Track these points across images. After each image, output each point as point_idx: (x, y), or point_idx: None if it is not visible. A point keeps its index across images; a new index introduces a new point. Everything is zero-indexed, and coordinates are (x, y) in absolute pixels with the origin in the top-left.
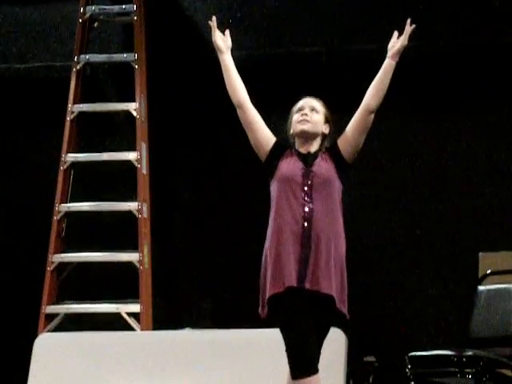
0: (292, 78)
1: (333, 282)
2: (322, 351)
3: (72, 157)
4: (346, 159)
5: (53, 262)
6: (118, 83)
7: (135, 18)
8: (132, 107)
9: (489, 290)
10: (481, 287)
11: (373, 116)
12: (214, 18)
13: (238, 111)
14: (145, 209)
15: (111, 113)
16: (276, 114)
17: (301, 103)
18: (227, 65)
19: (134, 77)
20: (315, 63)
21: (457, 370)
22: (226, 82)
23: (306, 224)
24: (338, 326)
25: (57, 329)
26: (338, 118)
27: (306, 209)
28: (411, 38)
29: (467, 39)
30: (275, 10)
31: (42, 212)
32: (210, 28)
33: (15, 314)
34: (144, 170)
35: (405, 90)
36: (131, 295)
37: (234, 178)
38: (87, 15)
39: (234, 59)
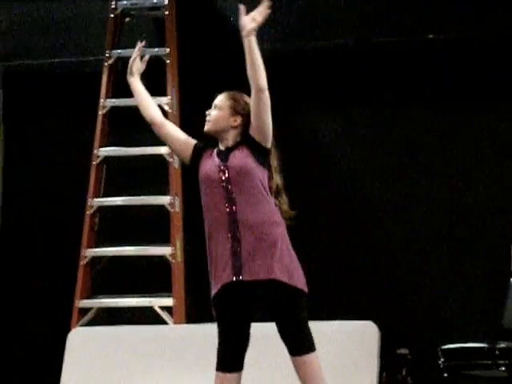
0: (321, 71)
1: (272, 265)
2: (355, 344)
3: (104, 151)
4: (263, 144)
5: (86, 257)
6: (149, 78)
7: (166, 12)
8: (164, 101)
9: None
10: None
11: (266, 94)
12: (141, 43)
13: (153, 128)
14: (177, 203)
15: None
16: (306, 106)
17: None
18: (136, 87)
19: (165, 71)
20: (344, 55)
21: (490, 362)
22: (137, 103)
23: (230, 218)
24: (295, 302)
25: (90, 323)
26: (362, 110)
27: (228, 203)
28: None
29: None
30: (305, 2)
31: (75, 207)
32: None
33: (49, 308)
34: (176, 164)
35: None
36: (164, 289)
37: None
38: (119, 10)
39: (266, 52)
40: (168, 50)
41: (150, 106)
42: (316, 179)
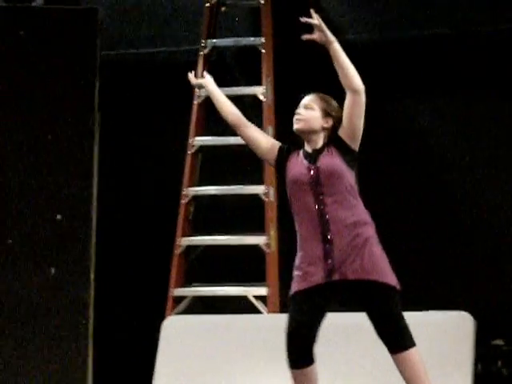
0: (417, 62)
1: (364, 265)
2: (449, 334)
3: (199, 141)
4: (350, 146)
5: (180, 246)
6: (244, 67)
7: (262, 1)
8: (259, 91)
9: None
10: None
11: (362, 97)
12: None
13: (237, 132)
14: (271, 192)
15: (238, 97)
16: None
17: (302, 101)
18: (215, 94)
19: (260, 61)
20: (440, 47)
21: None
22: (218, 109)
23: (321, 219)
24: (389, 299)
25: (184, 311)
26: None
27: (318, 204)
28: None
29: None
30: None
31: (170, 196)
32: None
33: (144, 296)
34: None
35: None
36: (258, 278)
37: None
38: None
39: (360, 44)
40: (263, 39)
41: (231, 110)
42: (411, 169)
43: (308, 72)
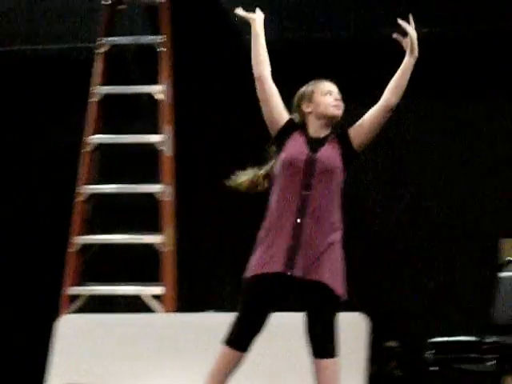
0: (314, 64)
1: (325, 269)
2: (344, 335)
3: (96, 139)
4: (356, 148)
5: (76, 244)
6: (143, 65)
7: (161, 0)
8: (157, 90)
9: (510, 277)
10: (502, 274)
11: (390, 113)
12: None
13: (257, 83)
14: (169, 191)
15: (136, 95)
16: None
17: (328, 86)
18: (259, 34)
19: (159, 59)
20: (338, 48)
21: (478, 356)
22: (253, 54)
23: (301, 211)
24: (334, 307)
25: (79, 310)
26: (358, 103)
27: (304, 196)
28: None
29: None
30: None
31: (66, 194)
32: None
33: (38, 295)
34: (168, 153)
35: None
36: (154, 278)
37: (259, 161)
38: None
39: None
40: (162, 37)
41: (265, 61)
42: None
43: (207, 71)
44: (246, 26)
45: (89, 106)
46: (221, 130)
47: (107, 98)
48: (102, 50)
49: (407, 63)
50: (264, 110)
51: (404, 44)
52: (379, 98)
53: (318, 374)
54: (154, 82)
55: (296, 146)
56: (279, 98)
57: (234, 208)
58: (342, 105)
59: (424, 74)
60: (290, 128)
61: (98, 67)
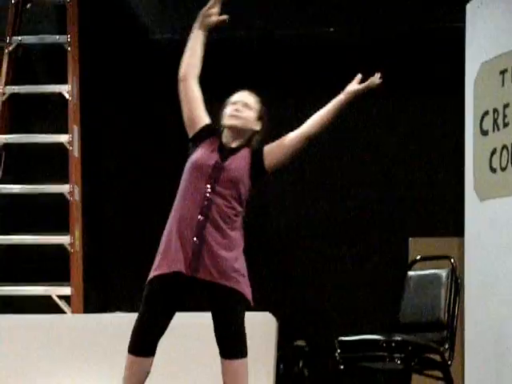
0: (225, 63)
1: (226, 270)
2: (252, 335)
3: (3, 138)
4: (266, 168)
5: None
6: (50, 65)
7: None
8: (64, 89)
9: (418, 276)
10: (410, 272)
11: (307, 143)
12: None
13: (181, 84)
14: (76, 192)
15: (43, 95)
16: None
17: (236, 97)
18: (201, 41)
19: (66, 59)
20: (247, 48)
21: (386, 354)
22: (185, 55)
23: (203, 215)
24: (239, 308)
25: None
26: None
27: (206, 201)
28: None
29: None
30: None
31: None
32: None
33: None
34: (76, 153)
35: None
36: (62, 278)
37: (167, 162)
38: None
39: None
40: (69, 37)
41: (196, 64)
42: None
43: (114, 71)
44: (153, 26)
45: None
46: (128, 130)
47: (14, 97)
48: (9, 49)
49: (339, 101)
50: (184, 110)
51: (351, 85)
52: None
53: (226, 374)
54: (62, 81)
55: (207, 151)
56: (201, 102)
57: (140, 208)
58: (239, 114)
59: None
60: (206, 133)
61: (5, 66)
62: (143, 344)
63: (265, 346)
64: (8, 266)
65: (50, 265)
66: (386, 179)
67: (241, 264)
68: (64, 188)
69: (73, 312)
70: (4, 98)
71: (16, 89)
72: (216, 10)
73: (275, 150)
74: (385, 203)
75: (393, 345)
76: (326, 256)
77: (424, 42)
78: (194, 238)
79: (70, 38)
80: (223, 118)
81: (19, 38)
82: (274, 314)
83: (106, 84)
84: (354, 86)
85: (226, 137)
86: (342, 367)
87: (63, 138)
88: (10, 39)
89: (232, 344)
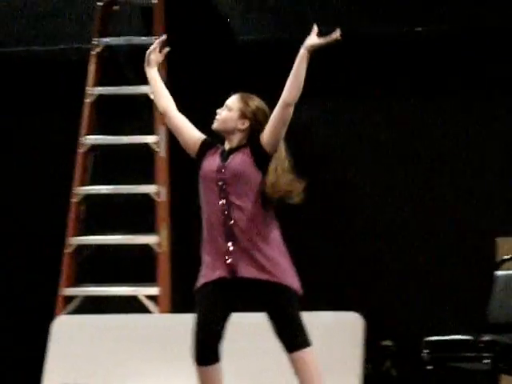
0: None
1: (263, 265)
2: (339, 334)
3: (91, 139)
4: (267, 150)
5: (71, 245)
6: (137, 66)
7: (155, 0)
8: (151, 90)
9: (506, 276)
10: (498, 272)
11: (292, 109)
12: (163, 37)
13: (165, 119)
14: (163, 192)
15: (130, 96)
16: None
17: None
18: (153, 77)
19: None
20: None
21: (474, 354)
22: (153, 92)
23: (225, 218)
24: (285, 299)
25: (75, 311)
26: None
27: (223, 201)
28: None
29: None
30: None
31: (61, 195)
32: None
33: (34, 296)
34: (163, 154)
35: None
36: (149, 278)
37: None
38: None
39: (255, 43)
40: (155, 38)
41: (165, 96)
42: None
43: (201, 71)
44: (242, 26)
45: (83, 106)
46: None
47: (101, 98)
48: (96, 50)
49: (304, 59)
50: (179, 139)
51: (309, 39)
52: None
53: (295, 367)
54: (148, 82)
55: (210, 160)
56: (188, 124)
57: None
58: (217, 117)
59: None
60: (205, 148)
61: (92, 68)
62: (204, 352)
63: (352, 345)
64: (96, 267)
65: (137, 265)
66: (473, 177)
67: (278, 254)
68: (151, 188)
69: (160, 312)
70: (91, 99)
71: (103, 90)
72: (157, 49)
73: (267, 130)
74: (472, 202)
75: (481, 345)
76: (414, 254)
77: None
78: (225, 242)
79: (157, 38)
80: None
81: (106, 39)
82: (361, 314)
83: (192, 84)
84: (312, 39)
85: (226, 142)
86: (429, 367)
87: (150, 139)
88: (97, 41)
89: (292, 337)
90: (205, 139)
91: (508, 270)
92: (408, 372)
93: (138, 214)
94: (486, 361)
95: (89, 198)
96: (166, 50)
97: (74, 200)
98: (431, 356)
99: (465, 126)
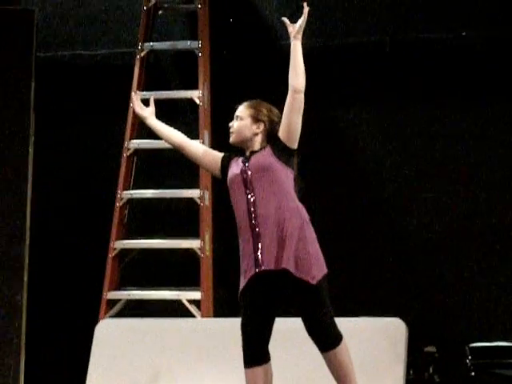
0: (354, 69)
1: (289, 256)
2: (382, 340)
3: (135, 143)
4: (288, 144)
5: (115, 249)
6: (181, 71)
7: (199, 5)
8: (195, 95)
9: None
10: None
11: (301, 96)
12: (136, 95)
13: (183, 153)
14: (207, 196)
15: (174, 100)
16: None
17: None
18: (155, 126)
19: (197, 65)
20: (379, 53)
21: None
22: (162, 137)
23: (251, 214)
24: (312, 297)
25: (118, 315)
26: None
27: (249, 200)
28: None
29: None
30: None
31: (105, 199)
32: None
33: (78, 299)
34: None
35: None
36: (192, 283)
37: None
38: (152, 2)
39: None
40: (200, 43)
41: (173, 135)
42: (341, 172)
43: (244, 76)
44: (284, 30)
45: (129, 110)
46: None
47: (146, 103)
48: (141, 55)
49: (296, 48)
50: (200, 165)
51: (291, 29)
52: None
53: (331, 366)
54: (192, 87)
55: (233, 168)
56: (205, 150)
57: None
58: (231, 130)
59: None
60: (226, 162)
61: (137, 72)
62: (252, 353)
63: (395, 351)
64: (140, 271)
65: (180, 269)
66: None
67: (308, 246)
68: (194, 193)
69: (202, 316)
70: None
71: (147, 94)
72: (137, 106)
73: (282, 124)
74: None
75: None
76: (457, 260)
77: None
78: (252, 241)
79: (202, 43)
80: None
81: (151, 43)
82: (404, 320)
83: (237, 89)
84: (293, 27)
85: (245, 151)
86: (473, 374)
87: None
88: (141, 45)
89: (325, 336)
90: (223, 155)
91: None
92: (451, 379)
93: (181, 218)
94: None
95: (133, 201)
96: (152, 99)
97: (118, 204)
98: (475, 362)
99: (503, 132)
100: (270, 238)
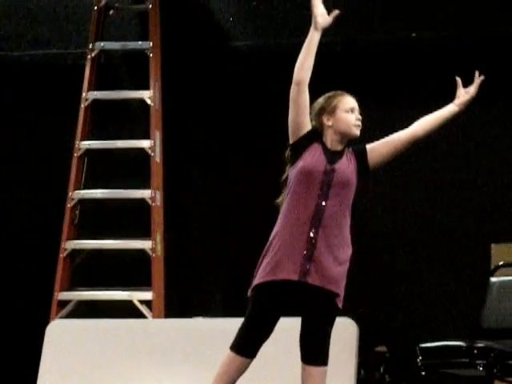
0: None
1: (337, 280)
2: (333, 340)
3: (86, 144)
4: (370, 167)
5: (65, 249)
6: (132, 71)
7: (150, 5)
8: (146, 95)
9: (501, 282)
10: (493, 279)
11: (294, 87)
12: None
13: (294, 88)
14: (158, 197)
15: (125, 101)
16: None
17: (351, 103)
18: (315, 43)
19: (148, 65)
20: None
21: (468, 361)
22: (301, 57)
23: (315, 221)
24: (333, 317)
25: (69, 315)
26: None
27: (319, 206)
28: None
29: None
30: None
31: (55, 199)
32: None
33: (28, 300)
34: (157, 158)
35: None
36: (144, 283)
37: (247, 166)
38: (103, 2)
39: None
40: (151, 43)
41: (309, 68)
42: None
43: (196, 77)
44: (236, 31)
45: (79, 111)
46: (209, 135)
47: (97, 103)
48: (92, 54)
49: (450, 111)
50: (293, 113)
51: (459, 92)
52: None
53: (305, 380)
54: (143, 87)
55: (315, 156)
56: (308, 107)
57: (223, 213)
58: (360, 124)
59: None
60: (312, 137)
61: (88, 72)
62: (248, 346)
63: (345, 351)
64: (90, 271)
65: (132, 270)
66: (468, 183)
67: (345, 275)
68: (145, 193)
69: (154, 317)
70: (86, 103)
71: (98, 94)
72: (321, 9)
73: (381, 149)
74: (467, 208)
75: (475, 351)
76: (407, 262)
77: None
78: (306, 245)
79: (152, 43)
80: (341, 122)
81: (102, 43)
82: (355, 320)
83: (188, 90)
84: (463, 96)
85: (331, 140)
86: (423, 373)
87: (145, 144)
88: (92, 45)
89: (316, 351)
90: (311, 131)
91: (502, 276)
92: (402, 378)
93: (132, 219)
94: (480, 367)
95: (84, 202)
96: (336, 12)
97: (69, 204)
98: (425, 362)
99: (462, 133)
100: (326, 258)
